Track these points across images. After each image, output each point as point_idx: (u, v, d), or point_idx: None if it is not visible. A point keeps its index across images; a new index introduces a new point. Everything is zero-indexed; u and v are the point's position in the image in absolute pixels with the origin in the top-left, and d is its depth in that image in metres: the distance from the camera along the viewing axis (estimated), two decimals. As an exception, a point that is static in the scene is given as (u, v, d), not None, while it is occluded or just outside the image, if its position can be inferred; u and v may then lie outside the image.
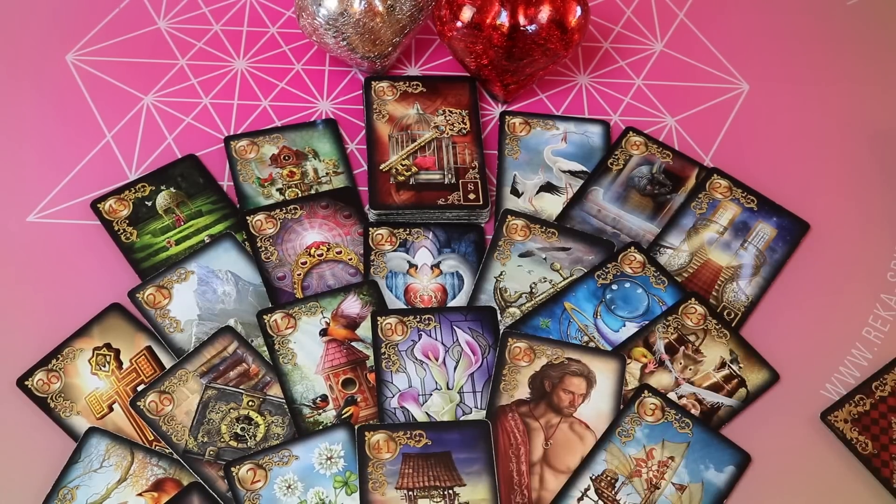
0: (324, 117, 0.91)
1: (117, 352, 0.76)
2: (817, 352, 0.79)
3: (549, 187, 0.87)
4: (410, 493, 0.69)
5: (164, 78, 0.93)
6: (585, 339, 0.78)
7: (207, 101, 0.92)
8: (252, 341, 0.76)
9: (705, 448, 0.72)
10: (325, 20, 0.85)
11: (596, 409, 0.74)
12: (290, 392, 0.74)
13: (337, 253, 0.82)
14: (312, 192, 0.85)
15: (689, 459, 0.72)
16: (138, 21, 0.97)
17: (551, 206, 0.85)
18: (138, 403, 0.73)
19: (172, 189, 0.85)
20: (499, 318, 0.78)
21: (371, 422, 0.73)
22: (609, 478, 0.71)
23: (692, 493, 0.71)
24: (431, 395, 0.74)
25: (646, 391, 0.74)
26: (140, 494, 0.70)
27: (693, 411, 0.74)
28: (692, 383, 0.76)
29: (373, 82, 0.91)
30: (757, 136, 0.92)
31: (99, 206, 0.83)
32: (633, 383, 0.75)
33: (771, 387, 0.76)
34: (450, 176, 0.85)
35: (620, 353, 0.77)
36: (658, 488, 0.71)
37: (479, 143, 0.87)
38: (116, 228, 0.82)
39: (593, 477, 0.71)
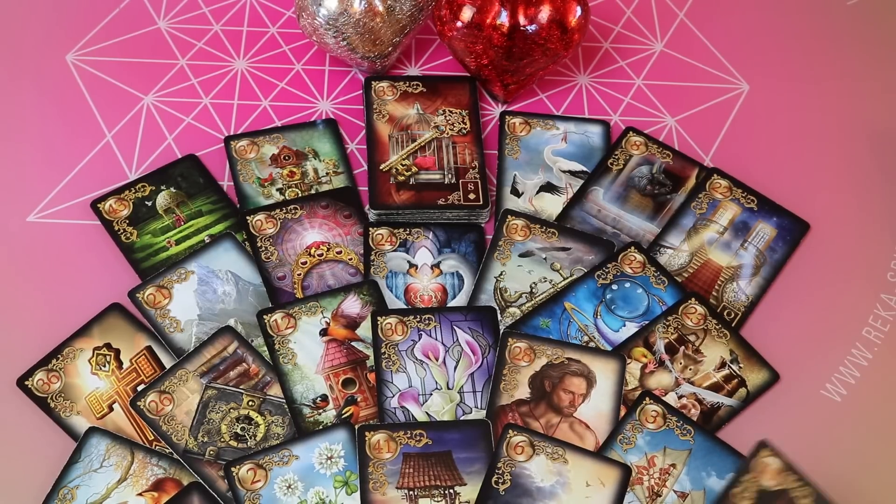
0: (324, 117, 0.91)
1: (117, 352, 0.76)
2: (817, 352, 0.79)
3: (549, 187, 0.87)
4: (411, 492, 0.69)
5: (164, 78, 0.93)
6: (585, 339, 0.78)
7: (207, 101, 0.92)
8: (252, 341, 0.76)
9: (707, 455, 0.72)
10: (325, 20, 0.85)
11: (596, 408, 0.74)
12: (290, 392, 0.74)
13: (337, 253, 0.82)
14: (312, 192, 0.85)
15: (690, 467, 0.72)
16: (138, 21, 0.97)
17: (551, 206, 0.85)
18: (138, 403, 0.73)
19: (172, 189, 0.85)
20: (499, 318, 0.78)
21: (371, 422, 0.73)
22: (609, 478, 0.71)
23: (694, 501, 0.70)
24: (431, 394, 0.74)
25: (647, 398, 0.74)
26: (140, 494, 0.70)
27: (693, 411, 0.74)
28: (692, 383, 0.76)
29: (373, 82, 0.91)
30: (757, 136, 0.92)
31: (99, 206, 0.83)
32: (633, 383, 0.76)
33: (771, 387, 0.76)
34: (450, 176, 0.85)
35: (620, 353, 0.77)
36: (660, 496, 0.70)
37: (479, 143, 0.87)
38: (116, 228, 0.82)
39: (593, 477, 0.71)
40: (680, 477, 0.71)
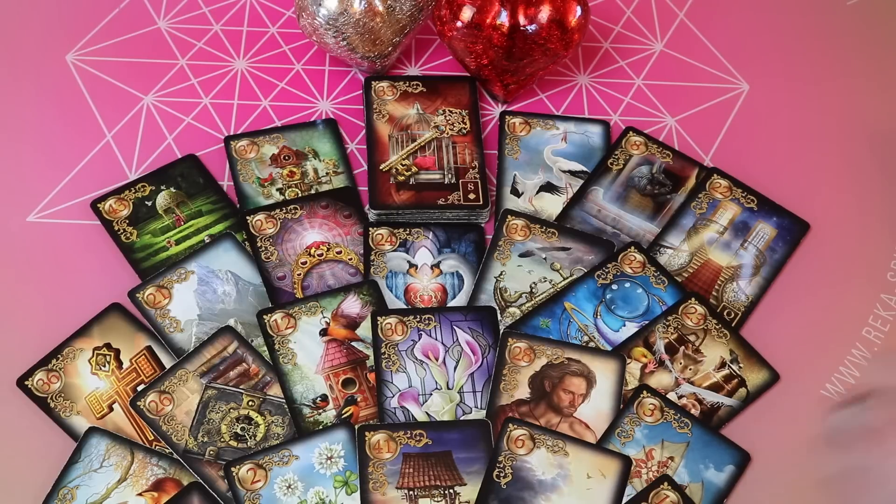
0: (324, 117, 0.91)
1: (117, 352, 0.76)
2: (817, 352, 0.79)
3: (549, 187, 0.87)
4: (411, 492, 0.69)
5: (164, 78, 0.93)
6: (585, 339, 0.78)
7: (207, 101, 0.92)
8: (252, 341, 0.76)
9: (705, 448, 0.72)
10: (325, 20, 0.85)
11: (596, 409, 0.74)
12: (290, 392, 0.74)
13: (337, 253, 0.82)
14: (312, 192, 0.85)
15: (688, 459, 0.72)
16: (138, 21, 0.97)
17: (551, 206, 0.85)
18: (138, 403, 0.73)
19: (172, 189, 0.85)
20: (499, 318, 0.78)
21: (371, 422, 0.73)
22: (609, 478, 0.71)
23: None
24: (431, 394, 0.74)
25: (644, 391, 0.74)
26: (140, 494, 0.70)
27: (693, 411, 0.74)
28: (692, 383, 0.76)
29: (373, 82, 0.91)
30: (757, 136, 0.92)
31: (99, 206, 0.83)
32: (633, 383, 0.75)
33: (771, 387, 0.76)
34: (450, 176, 0.85)
35: (620, 353, 0.77)
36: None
37: (479, 143, 0.87)
38: (116, 228, 0.82)
39: (593, 477, 0.71)
40: (678, 469, 0.71)
